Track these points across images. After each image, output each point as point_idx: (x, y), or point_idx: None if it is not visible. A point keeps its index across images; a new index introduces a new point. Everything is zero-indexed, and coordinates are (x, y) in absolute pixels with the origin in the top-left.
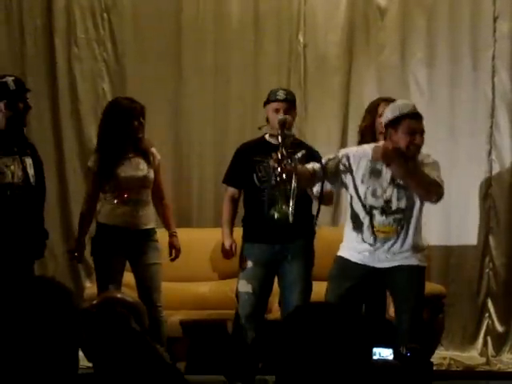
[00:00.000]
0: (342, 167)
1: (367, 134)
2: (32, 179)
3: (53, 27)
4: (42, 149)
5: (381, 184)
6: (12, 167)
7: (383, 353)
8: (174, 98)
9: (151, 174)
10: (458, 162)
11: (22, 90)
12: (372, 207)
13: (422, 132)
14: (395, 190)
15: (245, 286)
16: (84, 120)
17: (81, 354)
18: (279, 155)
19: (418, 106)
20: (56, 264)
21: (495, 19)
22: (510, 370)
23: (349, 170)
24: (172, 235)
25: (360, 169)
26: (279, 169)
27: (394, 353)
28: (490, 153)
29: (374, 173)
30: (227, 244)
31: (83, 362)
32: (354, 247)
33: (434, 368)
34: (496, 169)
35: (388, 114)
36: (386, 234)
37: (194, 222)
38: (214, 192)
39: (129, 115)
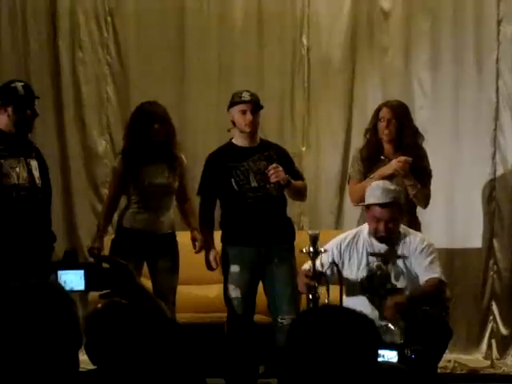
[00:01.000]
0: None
1: (371, 137)
2: (38, 181)
3: (57, 30)
4: (45, 151)
5: None
6: (17, 169)
7: (388, 355)
8: (177, 100)
9: (175, 182)
10: (462, 164)
11: (31, 96)
12: None
13: (388, 220)
14: None
15: (234, 291)
16: (88, 123)
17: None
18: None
19: (422, 109)
20: None
21: (499, 22)
22: None
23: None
24: (193, 229)
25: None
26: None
27: (399, 355)
28: (494, 155)
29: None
30: (212, 257)
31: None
32: None
33: (439, 371)
34: (500, 171)
35: (365, 194)
36: None
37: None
38: None
39: (149, 119)
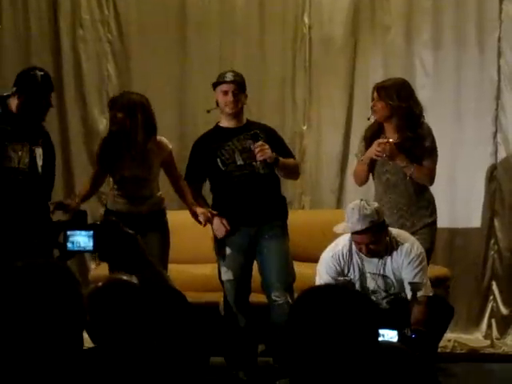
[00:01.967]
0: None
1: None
2: (39, 169)
3: (57, 8)
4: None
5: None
6: (20, 153)
7: (388, 334)
8: (178, 77)
9: (149, 172)
10: (464, 144)
11: (48, 87)
12: None
13: (368, 243)
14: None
15: (226, 274)
16: (89, 101)
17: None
18: None
19: (423, 88)
20: None
21: (501, 1)
22: None
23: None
24: (191, 205)
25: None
26: None
27: (399, 335)
28: (495, 135)
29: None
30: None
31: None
32: None
33: (439, 350)
34: (501, 151)
35: (345, 216)
36: None
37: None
38: None
39: (111, 107)
